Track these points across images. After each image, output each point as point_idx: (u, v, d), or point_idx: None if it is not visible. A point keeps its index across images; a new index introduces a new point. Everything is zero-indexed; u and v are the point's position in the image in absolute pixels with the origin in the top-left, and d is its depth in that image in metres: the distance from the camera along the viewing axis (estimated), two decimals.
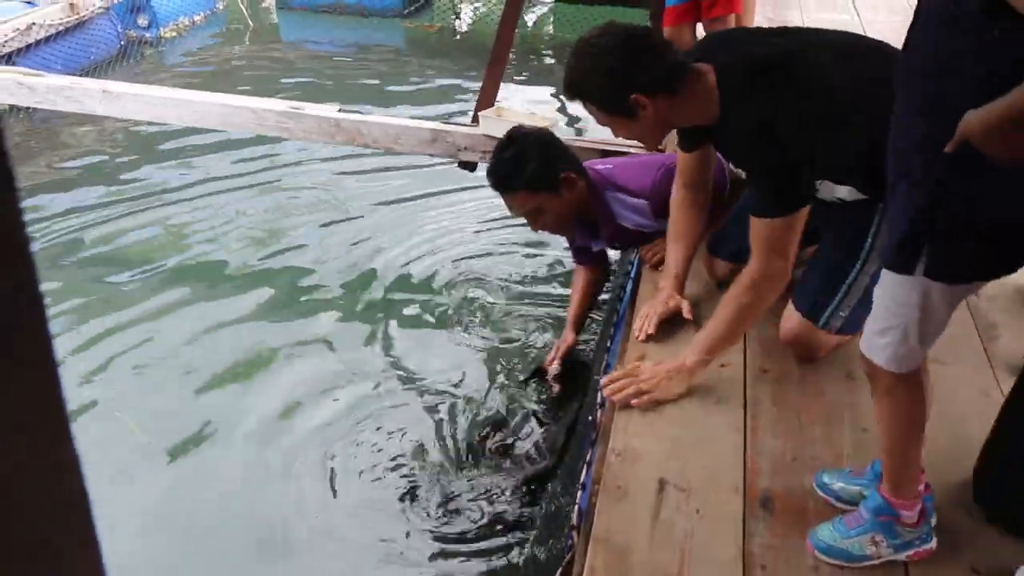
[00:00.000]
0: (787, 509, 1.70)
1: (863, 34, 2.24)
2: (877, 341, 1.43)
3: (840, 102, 1.86)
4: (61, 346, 3.15)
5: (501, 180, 2.51)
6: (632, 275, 2.68)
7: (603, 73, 1.87)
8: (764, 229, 1.88)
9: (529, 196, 2.49)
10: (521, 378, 2.90)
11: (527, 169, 2.45)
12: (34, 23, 5.67)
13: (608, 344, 2.55)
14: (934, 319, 1.37)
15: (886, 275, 1.38)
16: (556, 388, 2.75)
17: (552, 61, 7.24)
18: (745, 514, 1.69)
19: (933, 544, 1.57)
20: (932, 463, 1.69)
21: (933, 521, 1.58)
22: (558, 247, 3.94)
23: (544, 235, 3.96)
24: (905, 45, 1.32)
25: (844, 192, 2.01)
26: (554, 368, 2.75)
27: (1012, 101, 1.05)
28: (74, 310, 3.42)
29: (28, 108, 4.87)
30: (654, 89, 1.87)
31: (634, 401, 1.96)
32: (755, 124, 1.84)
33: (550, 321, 3.37)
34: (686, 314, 2.27)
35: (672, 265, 2.33)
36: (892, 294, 1.37)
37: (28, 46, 5.62)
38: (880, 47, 2.01)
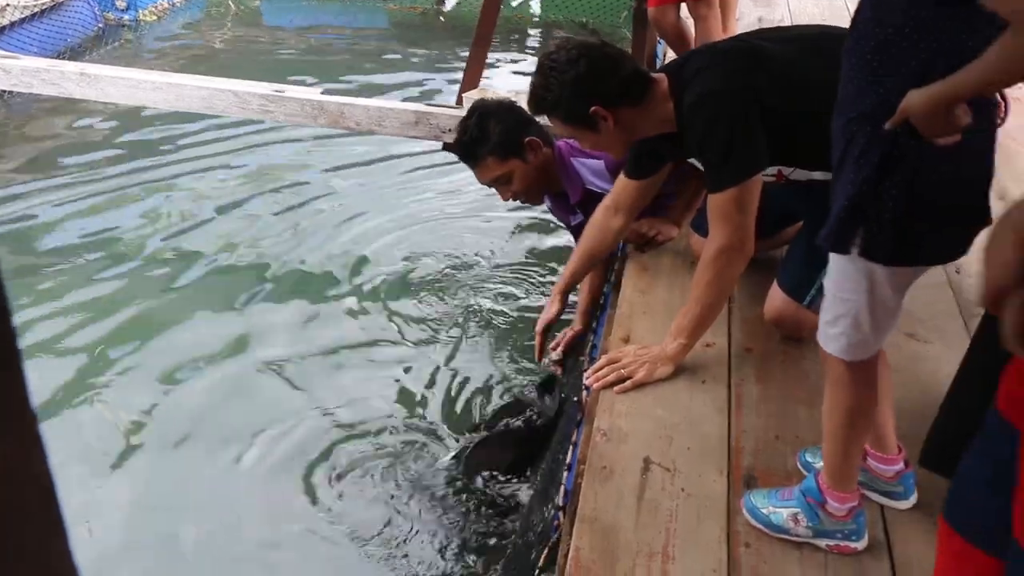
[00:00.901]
0: (770, 487, 1.71)
1: (828, 24, 2.26)
2: (830, 331, 1.43)
3: (814, 100, 1.88)
4: (35, 335, 3.11)
5: (467, 150, 2.54)
6: (617, 254, 2.68)
7: (564, 85, 1.94)
8: (716, 203, 1.90)
9: (495, 163, 2.51)
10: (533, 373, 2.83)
11: (491, 137, 2.48)
12: (9, 4, 5.57)
13: (594, 324, 2.55)
14: (883, 304, 1.37)
15: (833, 261, 1.38)
16: (558, 371, 2.71)
17: (537, 42, 7.21)
18: (729, 493, 1.70)
19: (859, 545, 1.56)
20: (912, 440, 1.70)
21: (865, 533, 1.56)
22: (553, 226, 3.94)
23: (537, 212, 3.97)
24: (854, 19, 1.32)
25: (818, 174, 2.02)
26: (556, 354, 2.70)
27: (956, 84, 1.05)
28: (51, 298, 3.38)
29: (4, 91, 4.80)
30: (614, 101, 1.95)
31: (616, 389, 1.97)
32: (706, 90, 1.90)
33: (540, 294, 3.38)
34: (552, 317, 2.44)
35: (563, 277, 2.46)
36: (839, 280, 1.38)
37: (3, 28, 5.53)
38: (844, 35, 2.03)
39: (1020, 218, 0.81)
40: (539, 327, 2.47)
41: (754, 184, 1.89)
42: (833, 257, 1.37)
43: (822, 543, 1.56)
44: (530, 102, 2.05)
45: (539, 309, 3.31)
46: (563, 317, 2.51)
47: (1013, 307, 0.80)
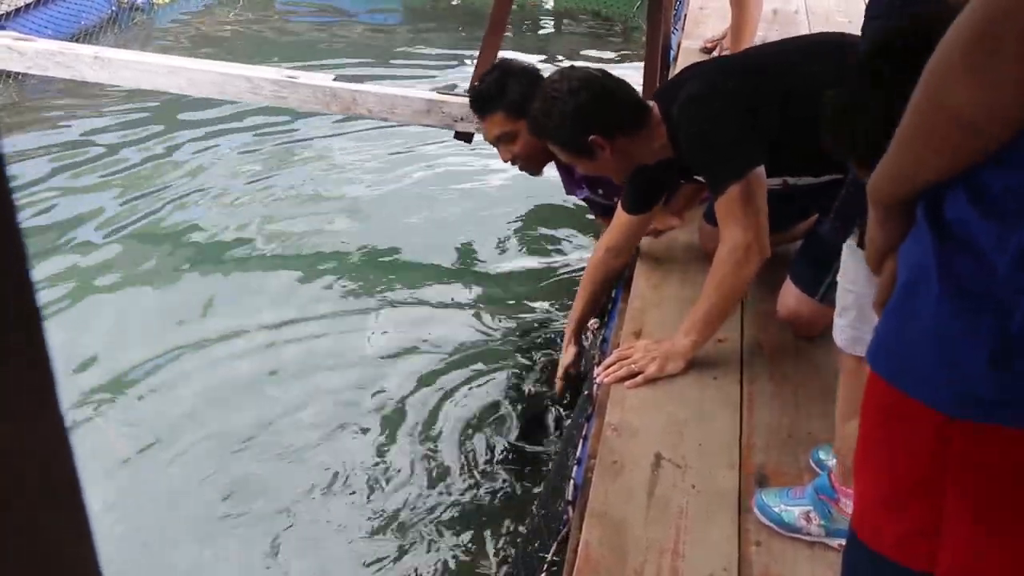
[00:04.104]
0: (782, 485, 1.70)
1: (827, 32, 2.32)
2: (839, 322, 1.43)
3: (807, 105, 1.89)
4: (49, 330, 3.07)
5: (482, 99, 2.59)
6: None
7: (564, 115, 2.00)
8: (721, 205, 1.93)
9: (506, 119, 2.54)
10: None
11: (508, 92, 2.52)
12: None
13: (606, 319, 2.54)
14: None
15: (842, 255, 1.38)
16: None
17: (550, 30, 7.17)
18: (740, 490, 1.70)
19: None
20: None
21: None
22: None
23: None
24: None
25: (827, 178, 2.02)
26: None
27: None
28: (62, 280, 3.37)
29: (18, 74, 4.80)
30: (612, 132, 2.00)
31: (627, 384, 1.97)
32: (690, 95, 1.97)
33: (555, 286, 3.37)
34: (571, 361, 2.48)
35: (571, 320, 2.52)
36: (845, 271, 1.38)
37: (17, 10, 5.53)
38: (840, 42, 2.04)
39: (871, 192, 0.90)
40: (560, 373, 2.51)
41: (755, 180, 1.90)
42: (843, 249, 1.37)
43: (834, 542, 1.55)
44: (531, 125, 2.14)
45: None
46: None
47: (887, 268, 0.92)
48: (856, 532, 0.90)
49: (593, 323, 2.66)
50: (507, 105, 2.52)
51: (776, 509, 1.60)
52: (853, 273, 1.35)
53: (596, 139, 1.99)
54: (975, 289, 0.75)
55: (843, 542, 1.54)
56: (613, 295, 2.64)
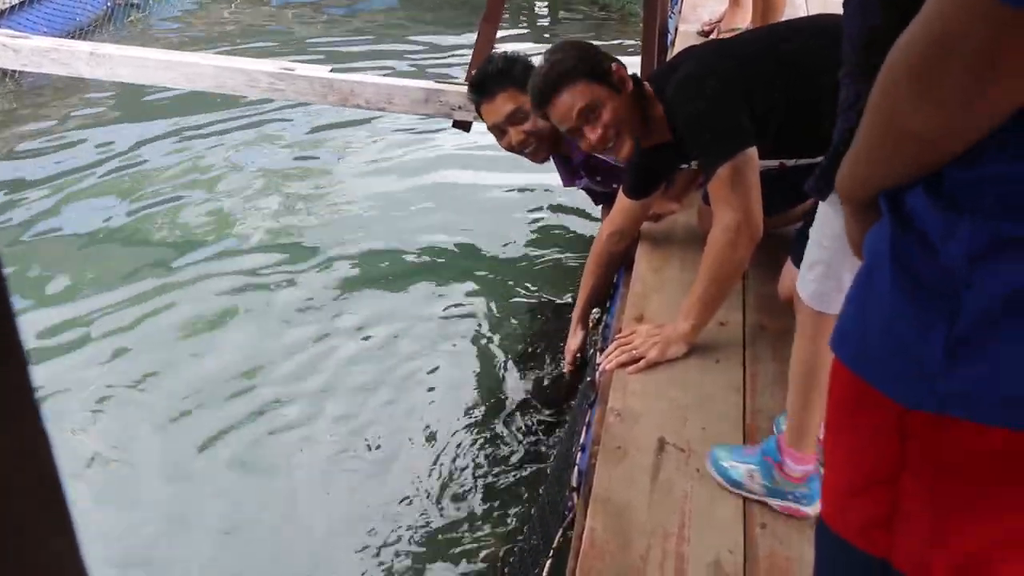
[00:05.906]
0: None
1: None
2: (807, 275, 1.42)
3: (816, 85, 1.88)
4: (33, 320, 3.06)
5: (492, 77, 2.55)
6: None
7: (578, 53, 2.01)
8: (713, 187, 1.92)
9: (515, 94, 2.48)
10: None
11: (514, 74, 2.50)
12: None
13: (608, 304, 2.54)
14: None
15: (819, 209, 1.37)
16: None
17: (547, 18, 7.14)
18: None
19: (809, 510, 1.55)
20: None
21: (817, 499, 1.51)
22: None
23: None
24: None
25: (821, 159, 2.01)
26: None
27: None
28: (54, 279, 3.37)
29: (14, 71, 4.79)
30: (609, 80, 2.01)
31: (629, 369, 1.96)
32: (684, 75, 1.98)
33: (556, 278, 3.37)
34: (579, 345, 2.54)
35: (578, 304, 2.56)
36: (820, 227, 1.36)
37: (12, 7, 5.52)
38: (838, 24, 2.02)
39: (839, 189, 0.90)
40: (569, 358, 2.56)
41: (746, 161, 1.90)
42: (820, 205, 1.36)
43: (775, 503, 1.58)
44: (542, 90, 2.02)
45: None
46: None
47: None
48: (824, 517, 0.91)
49: (593, 315, 2.65)
50: (515, 82, 2.47)
51: (725, 464, 1.64)
52: (832, 229, 1.33)
53: (619, 68, 2.00)
54: (928, 280, 0.76)
55: (781, 504, 1.56)
56: (615, 280, 2.63)
